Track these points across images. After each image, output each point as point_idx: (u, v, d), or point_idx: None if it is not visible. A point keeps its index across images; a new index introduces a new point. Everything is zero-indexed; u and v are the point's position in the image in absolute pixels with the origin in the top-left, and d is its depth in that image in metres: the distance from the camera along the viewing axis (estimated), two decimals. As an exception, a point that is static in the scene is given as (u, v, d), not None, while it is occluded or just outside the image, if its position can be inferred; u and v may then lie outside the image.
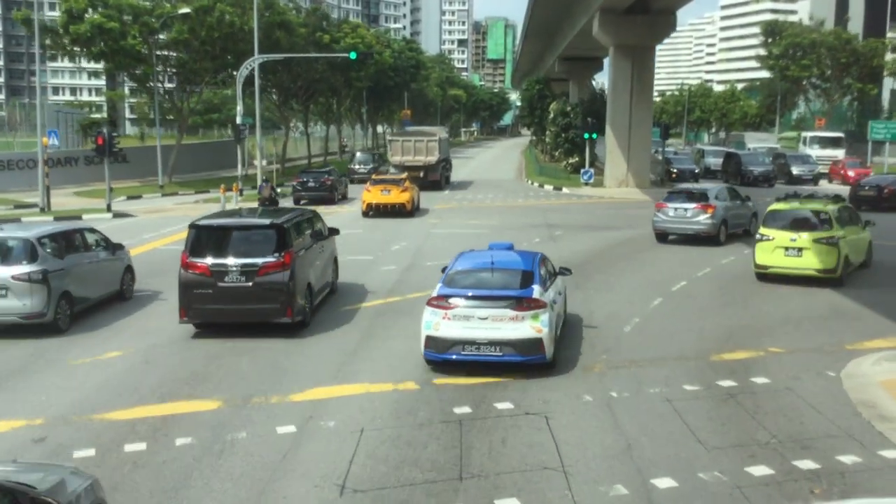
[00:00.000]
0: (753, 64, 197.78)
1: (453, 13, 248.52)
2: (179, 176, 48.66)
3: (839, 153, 56.66)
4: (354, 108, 75.36)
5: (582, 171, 42.86)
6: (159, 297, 16.49)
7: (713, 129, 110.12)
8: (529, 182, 47.79)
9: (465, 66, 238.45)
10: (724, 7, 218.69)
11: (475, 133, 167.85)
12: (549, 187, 43.48)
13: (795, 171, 49.01)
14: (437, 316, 11.19)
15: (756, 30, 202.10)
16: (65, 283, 13.97)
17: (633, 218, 29.63)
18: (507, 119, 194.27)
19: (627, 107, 41.10)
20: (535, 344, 10.98)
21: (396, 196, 30.52)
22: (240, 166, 38.92)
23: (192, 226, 13.76)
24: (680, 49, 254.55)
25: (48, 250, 14.01)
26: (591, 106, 51.67)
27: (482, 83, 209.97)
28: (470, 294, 11.29)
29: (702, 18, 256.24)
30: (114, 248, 16.22)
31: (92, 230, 16.33)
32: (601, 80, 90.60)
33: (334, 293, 16.48)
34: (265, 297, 13.15)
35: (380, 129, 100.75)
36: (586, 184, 42.20)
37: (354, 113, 78.26)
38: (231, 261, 13.19)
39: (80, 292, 14.55)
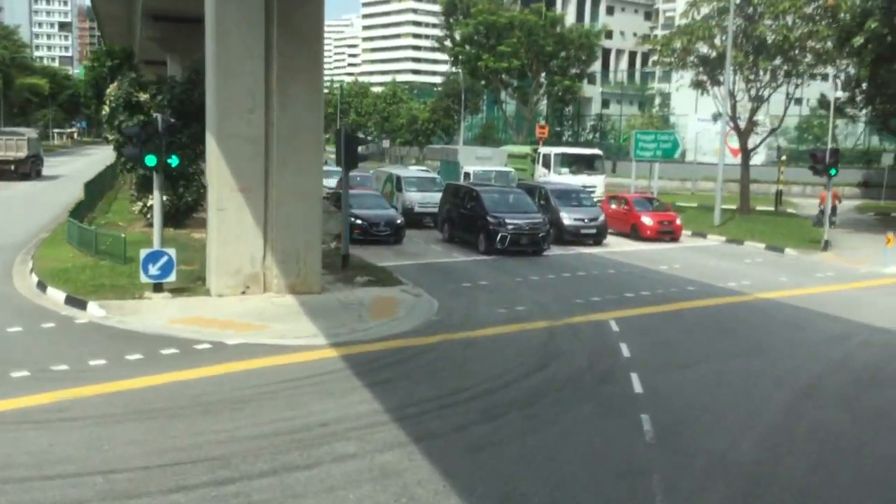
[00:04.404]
0: (400, 66, 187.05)
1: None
2: None
3: (597, 180, 36.85)
4: None
5: (144, 255, 16.00)
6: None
7: (371, 136, 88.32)
8: (28, 271, 19.29)
9: (69, 54, 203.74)
10: (365, 4, 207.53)
11: (74, 134, 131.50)
12: (55, 296, 15.89)
13: (567, 219, 27.41)
14: None
15: (402, 30, 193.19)
16: None
17: None
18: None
19: (261, 85, 15.53)
20: None
21: None
22: None
23: None
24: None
25: None
26: (193, 89, 25.39)
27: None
28: None
29: (340, 20, 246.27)
30: None
31: None
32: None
33: None
34: None
35: None
36: (156, 290, 15.86)
37: None
38: None
39: None
